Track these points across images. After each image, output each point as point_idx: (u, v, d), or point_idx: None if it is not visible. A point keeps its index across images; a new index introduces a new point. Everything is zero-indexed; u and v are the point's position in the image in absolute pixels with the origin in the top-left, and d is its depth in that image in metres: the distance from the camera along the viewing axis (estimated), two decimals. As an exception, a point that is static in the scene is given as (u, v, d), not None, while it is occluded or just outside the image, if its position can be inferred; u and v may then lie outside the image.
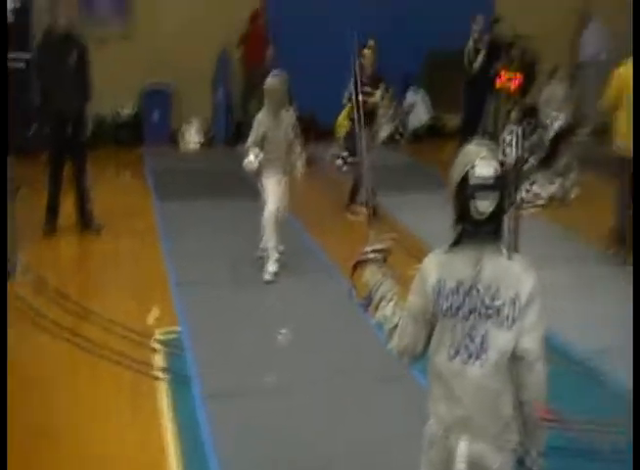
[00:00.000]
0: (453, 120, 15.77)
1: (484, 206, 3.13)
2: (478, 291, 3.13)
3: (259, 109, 8.38)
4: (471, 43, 13.48)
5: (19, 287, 7.56)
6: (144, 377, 6.00)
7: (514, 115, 6.10)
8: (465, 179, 3.14)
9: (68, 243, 9.35)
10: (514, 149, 5.96)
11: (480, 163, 3.12)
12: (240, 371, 6.03)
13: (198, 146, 15.71)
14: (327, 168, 13.68)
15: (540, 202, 10.55)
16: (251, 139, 7.93)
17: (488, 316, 3.11)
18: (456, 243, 3.22)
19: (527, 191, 10.60)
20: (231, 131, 15.91)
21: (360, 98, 13.30)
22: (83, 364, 6.23)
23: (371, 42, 11.20)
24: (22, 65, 11.29)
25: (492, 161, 3.15)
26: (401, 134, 16.26)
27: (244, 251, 8.81)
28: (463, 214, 3.18)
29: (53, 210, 9.45)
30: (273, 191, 8.05)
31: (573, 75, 10.84)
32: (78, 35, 9.53)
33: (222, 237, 9.32)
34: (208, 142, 15.81)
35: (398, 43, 15.26)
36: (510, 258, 3.17)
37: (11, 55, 9.23)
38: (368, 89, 11.58)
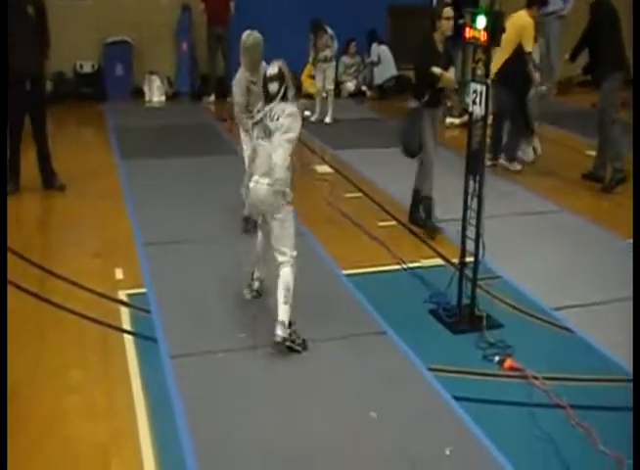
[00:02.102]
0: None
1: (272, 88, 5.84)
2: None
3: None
4: (437, -4, 13.38)
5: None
6: (110, 336, 5.95)
7: (480, 71, 6.04)
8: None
9: (31, 202, 9.22)
10: (478, 107, 5.92)
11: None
12: (206, 331, 6.00)
13: (162, 101, 15.52)
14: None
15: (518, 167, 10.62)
16: (238, 101, 7.84)
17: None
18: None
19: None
20: (196, 85, 15.75)
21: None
22: (48, 324, 6.16)
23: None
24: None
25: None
26: (367, 88, 16.22)
27: (211, 206, 8.78)
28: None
29: (14, 168, 9.31)
30: None
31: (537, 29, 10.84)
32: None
33: (188, 194, 9.24)
34: (173, 96, 15.64)
35: None
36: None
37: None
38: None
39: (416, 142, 7.97)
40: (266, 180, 5.78)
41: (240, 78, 7.88)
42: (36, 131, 9.44)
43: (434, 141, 8.20)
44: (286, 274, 5.80)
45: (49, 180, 9.48)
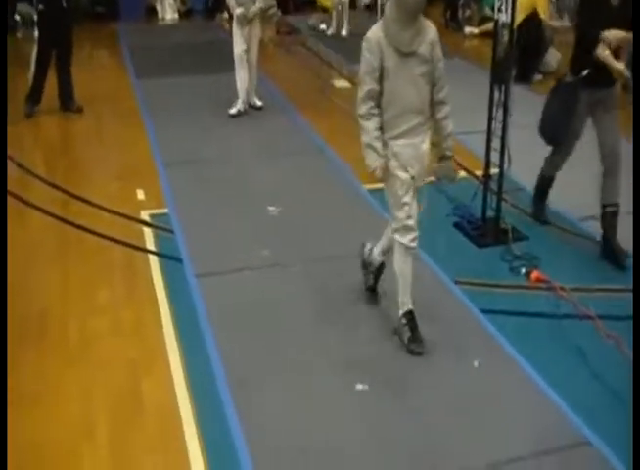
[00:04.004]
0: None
1: None
2: None
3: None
4: None
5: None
6: (135, 257, 5.97)
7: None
8: None
9: (51, 125, 9.18)
10: (504, 13, 5.75)
11: None
12: (229, 250, 6.00)
13: (175, 18, 15.30)
14: (305, 39, 13.44)
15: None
16: None
17: None
18: None
19: None
20: (209, 1, 15.49)
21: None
22: (74, 247, 6.16)
23: None
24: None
25: None
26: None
27: (229, 124, 8.73)
28: None
29: (39, 90, 9.31)
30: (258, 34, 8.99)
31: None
32: None
33: (206, 112, 9.15)
34: (186, 14, 15.40)
35: None
36: None
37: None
38: None
39: (561, 129, 5.93)
40: None
41: None
42: (62, 56, 9.35)
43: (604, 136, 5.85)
44: (395, 257, 4.80)
45: (67, 102, 9.41)
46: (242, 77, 8.97)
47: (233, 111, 9.01)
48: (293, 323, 5.07)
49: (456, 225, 6.38)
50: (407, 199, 4.62)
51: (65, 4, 9.09)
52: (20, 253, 6.00)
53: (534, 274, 5.57)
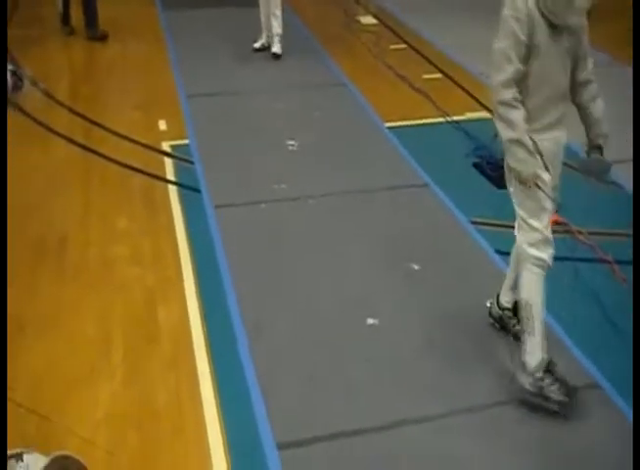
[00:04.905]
0: None
1: None
2: None
3: None
4: None
5: (26, 100, 7.51)
6: (155, 186, 6.01)
7: None
8: None
9: (76, 52, 9.23)
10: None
11: None
12: (248, 182, 6.04)
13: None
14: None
15: None
16: None
17: None
18: None
19: None
20: None
21: None
22: (95, 174, 6.22)
23: None
24: None
25: None
26: None
27: (254, 58, 8.69)
28: None
29: (66, 14, 9.53)
30: None
31: None
32: None
33: (231, 46, 9.10)
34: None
35: None
36: None
37: None
38: None
39: None
40: None
41: None
42: None
43: None
44: (522, 280, 3.91)
45: (91, 30, 9.44)
46: (262, 15, 8.89)
47: (257, 45, 8.94)
48: (308, 256, 5.12)
49: (475, 165, 6.37)
50: (548, 205, 3.77)
51: None
52: (42, 178, 6.10)
53: (552, 217, 5.56)
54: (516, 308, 4.22)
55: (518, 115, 3.55)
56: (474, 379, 4.07)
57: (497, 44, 3.56)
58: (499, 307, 4.33)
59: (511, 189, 3.83)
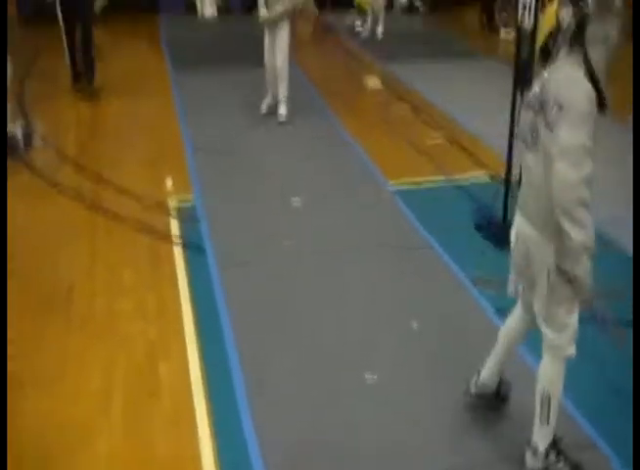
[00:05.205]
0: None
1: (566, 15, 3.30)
2: (543, 90, 3.39)
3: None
4: None
5: (36, 155, 7.70)
6: (159, 243, 6.10)
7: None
8: None
9: (85, 107, 9.46)
10: (527, 19, 5.81)
11: None
12: (252, 240, 6.12)
13: (214, 13, 15.45)
14: (342, 37, 13.55)
15: None
16: None
17: (542, 115, 3.36)
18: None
19: None
20: (247, -2, 15.63)
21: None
22: (102, 230, 6.32)
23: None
24: None
25: None
26: (420, 2, 15.92)
27: (261, 117, 8.85)
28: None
29: (76, 72, 9.84)
30: (284, 39, 8.59)
31: None
32: None
33: (239, 105, 9.27)
34: (225, 9, 15.54)
35: None
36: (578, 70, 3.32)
37: None
38: None
39: None
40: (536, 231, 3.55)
41: None
42: (83, 38, 9.75)
43: None
44: (546, 370, 3.78)
45: (82, 84, 9.85)
46: (268, 76, 8.91)
47: (264, 108, 9.01)
48: (311, 315, 5.17)
49: (477, 226, 6.44)
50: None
51: None
52: (49, 232, 6.22)
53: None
54: (499, 391, 4.24)
55: (590, 218, 3.26)
56: (470, 444, 4.07)
57: (574, 138, 3.20)
58: (545, 455, 3.83)
59: (545, 292, 3.60)
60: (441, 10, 15.53)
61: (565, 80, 3.31)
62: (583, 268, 3.33)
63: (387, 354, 4.76)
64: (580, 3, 3.26)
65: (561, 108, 3.23)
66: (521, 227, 3.67)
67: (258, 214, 6.55)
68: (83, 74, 9.80)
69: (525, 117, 3.54)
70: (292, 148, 8.10)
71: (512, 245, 3.81)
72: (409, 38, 13.63)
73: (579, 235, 3.22)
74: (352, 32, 13.78)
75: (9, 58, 7.59)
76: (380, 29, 13.41)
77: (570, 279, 3.41)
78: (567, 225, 3.25)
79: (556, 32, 3.36)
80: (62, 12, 9.55)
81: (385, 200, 6.88)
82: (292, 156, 7.89)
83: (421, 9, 15.86)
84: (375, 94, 10.22)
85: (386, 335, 4.96)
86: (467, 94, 9.83)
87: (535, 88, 3.50)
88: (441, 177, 7.34)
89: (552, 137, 3.27)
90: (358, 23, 13.95)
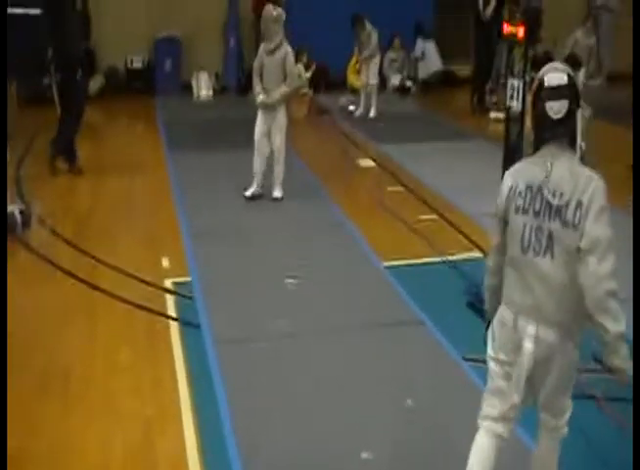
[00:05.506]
0: (463, 70, 15.81)
1: (556, 107, 3.41)
2: (545, 192, 3.42)
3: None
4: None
5: (33, 236, 7.83)
6: (156, 321, 6.18)
7: (518, 66, 6.14)
8: (539, 88, 3.48)
9: (82, 187, 9.69)
10: (516, 102, 6.03)
11: (551, 73, 3.47)
12: (246, 318, 6.20)
13: (210, 95, 15.79)
14: (337, 117, 13.84)
15: None
16: (253, 65, 8.90)
17: (554, 216, 3.40)
18: (534, 151, 3.54)
19: None
20: (243, 79, 15.98)
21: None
22: (99, 309, 6.41)
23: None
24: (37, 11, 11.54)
25: (563, 73, 3.48)
26: (412, 83, 16.31)
27: (256, 199, 9.02)
28: (539, 121, 3.50)
29: (73, 154, 10.10)
30: (282, 122, 8.80)
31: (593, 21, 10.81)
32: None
33: (234, 187, 9.43)
34: (220, 91, 15.89)
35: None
36: (578, 163, 3.46)
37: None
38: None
39: None
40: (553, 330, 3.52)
41: (259, 51, 8.82)
42: (72, 118, 10.08)
43: None
44: (542, 451, 3.93)
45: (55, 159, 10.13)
46: (257, 162, 8.92)
47: (247, 194, 9.01)
48: (304, 389, 5.23)
49: (469, 304, 6.53)
50: None
51: (79, 77, 9.93)
52: (47, 312, 6.30)
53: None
54: None
55: (622, 308, 3.37)
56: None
57: (601, 232, 3.33)
58: None
59: (555, 384, 3.65)
60: (432, 91, 15.91)
61: (574, 177, 3.39)
62: (621, 357, 3.37)
63: (383, 433, 4.79)
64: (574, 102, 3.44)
65: (580, 204, 3.33)
66: (541, 335, 3.53)
67: (253, 293, 6.65)
68: (66, 154, 10.10)
69: (520, 222, 3.50)
70: (285, 228, 8.25)
71: (524, 358, 3.59)
72: (401, 118, 13.93)
73: (615, 326, 3.31)
74: (346, 112, 14.10)
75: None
76: (373, 110, 13.72)
77: (609, 369, 3.47)
78: (601, 318, 3.34)
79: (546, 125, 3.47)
80: (58, 94, 9.88)
81: (377, 278, 6.99)
82: (285, 236, 8.03)
83: (412, 90, 16.24)
84: (368, 173, 10.41)
85: (381, 413, 5.00)
86: (458, 173, 10.04)
87: (522, 187, 3.49)
88: (434, 255, 7.46)
89: (575, 235, 3.34)
90: (351, 103, 14.28)
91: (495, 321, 3.75)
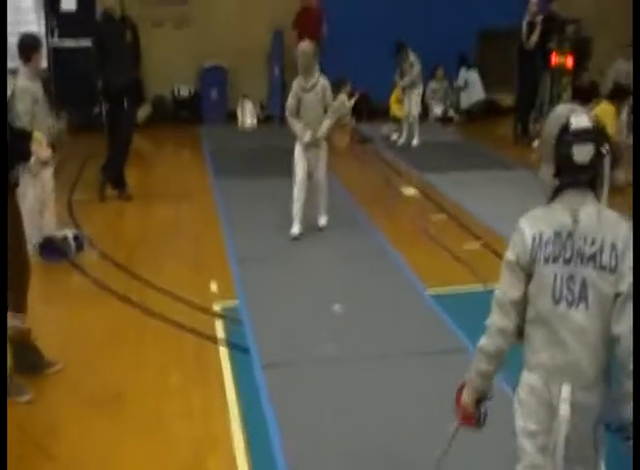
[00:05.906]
0: (506, 99, 15.84)
1: (584, 152, 3.25)
2: (576, 239, 3.27)
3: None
4: (527, 19, 13.51)
5: (86, 259, 8.03)
6: (205, 344, 6.31)
7: (565, 95, 6.19)
8: (563, 131, 3.29)
9: (133, 214, 9.93)
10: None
11: (576, 116, 3.30)
12: (295, 341, 6.31)
13: (254, 124, 16.01)
14: (379, 146, 13.96)
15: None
16: (288, 105, 8.71)
17: (587, 263, 3.25)
18: (554, 197, 3.39)
19: None
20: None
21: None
22: (149, 333, 6.56)
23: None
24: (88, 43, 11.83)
25: (585, 115, 3.31)
26: (454, 112, 16.39)
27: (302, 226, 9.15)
28: (562, 166, 3.32)
29: (122, 182, 10.36)
30: (326, 153, 8.84)
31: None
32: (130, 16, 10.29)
33: (280, 214, 9.56)
34: (265, 120, 16.10)
35: (451, 21, 15.37)
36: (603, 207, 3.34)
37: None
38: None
39: None
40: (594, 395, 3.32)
41: (294, 85, 8.66)
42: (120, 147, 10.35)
43: None
44: None
45: (104, 187, 10.36)
46: (297, 206, 8.72)
47: (295, 232, 8.74)
48: (352, 416, 5.29)
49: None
50: None
51: (126, 106, 10.16)
52: (100, 332, 6.48)
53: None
54: None
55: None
56: None
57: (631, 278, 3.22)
58: None
59: (593, 448, 3.41)
60: (475, 120, 15.98)
61: (603, 220, 3.27)
62: (631, 408, 3.18)
63: (428, 456, 4.83)
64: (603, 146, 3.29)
65: (615, 248, 3.22)
66: (577, 398, 3.30)
67: (299, 318, 6.76)
68: (116, 181, 10.33)
69: (550, 272, 3.31)
70: (330, 254, 8.36)
71: (561, 425, 3.31)
72: (444, 147, 14.00)
73: None
74: (388, 141, 14.21)
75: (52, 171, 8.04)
76: (416, 139, 13.82)
77: (621, 426, 3.28)
78: (624, 352, 3.20)
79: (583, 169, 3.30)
80: (107, 123, 10.17)
81: (421, 305, 7.06)
82: (330, 262, 8.14)
83: (455, 119, 16.32)
84: (411, 202, 10.50)
85: (429, 439, 5.04)
86: (500, 202, 10.06)
87: (549, 235, 3.32)
88: (477, 283, 7.51)
89: (611, 279, 3.22)
90: (394, 131, 14.39)
91: (520, 390, 3.51)
